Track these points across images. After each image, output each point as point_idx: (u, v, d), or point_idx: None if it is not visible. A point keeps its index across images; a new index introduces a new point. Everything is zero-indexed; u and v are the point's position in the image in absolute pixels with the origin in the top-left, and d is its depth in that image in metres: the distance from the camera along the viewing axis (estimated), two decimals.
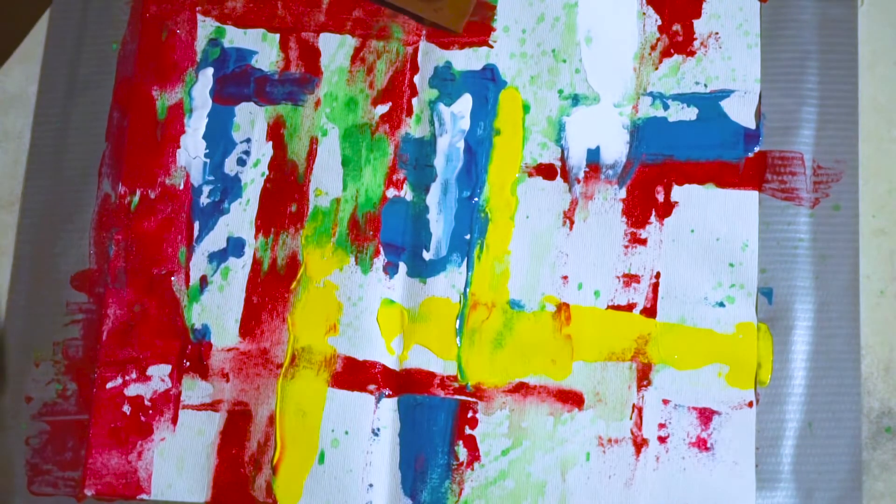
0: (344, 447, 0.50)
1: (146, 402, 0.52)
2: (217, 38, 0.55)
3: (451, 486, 0.50)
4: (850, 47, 0.52)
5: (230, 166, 0.54)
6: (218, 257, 0.53)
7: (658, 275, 0.51)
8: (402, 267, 0.52)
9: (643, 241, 0.51)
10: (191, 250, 0.53)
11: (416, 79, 0.54)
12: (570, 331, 0.51)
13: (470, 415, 0.50)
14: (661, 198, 0.52)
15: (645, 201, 0.52)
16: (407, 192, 0.53)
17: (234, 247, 0.53)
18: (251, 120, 0.54)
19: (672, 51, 0.53)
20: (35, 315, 0.53)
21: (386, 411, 0.51)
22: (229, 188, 0.53)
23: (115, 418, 0.52)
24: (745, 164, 0.51)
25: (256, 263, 0.53)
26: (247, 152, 0.54)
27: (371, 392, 0.51)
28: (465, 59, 0.54)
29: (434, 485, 0.50)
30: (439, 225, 0.52)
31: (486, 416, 0.50)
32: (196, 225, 0.53)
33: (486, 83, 0.53)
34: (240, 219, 0.53)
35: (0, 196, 0.55)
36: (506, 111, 0.53)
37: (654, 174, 0.52)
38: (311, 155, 0.53)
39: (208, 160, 0.54)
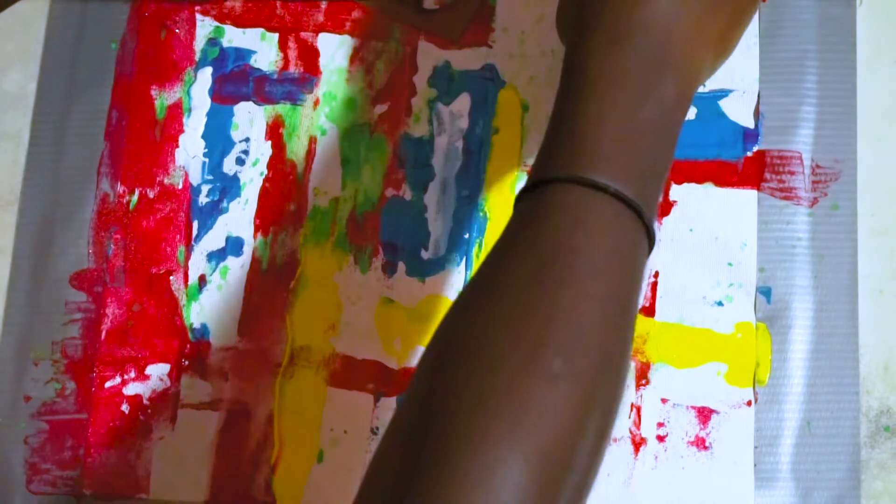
0: (343, 446, 0.50)
1: (145, 402, 0.52)
2: (216, 38, 0.55)
3: None
4: (849, 47, 0.52)
5: (229, 166, 0.54)
6: (217, 256, 0.53)
7: (657, 274, 0.51)
8: (402, 266, 0.52)
9: None
10: (189, 249, 0.53)
11: (415, 78, 0.54)
12: None
13: None
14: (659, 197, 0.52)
15: None
16: (406, 192, 0.53)
17: (233, 246, 0.53)
18: (250, 119, 0.54)
19: None
20: (34, 314, 0.53)
21: (385, 410, 0.51)
22: (228, 187, 0.53)
23: (113, 417, 0.52)
24: (743, 163, 0.51)
25: (255, 263, 0.53)
26: (245, 152, 0.54)
27: (370, 391, 0.51)
28: (464, 59, 0.54)
29: None
30: (438, 224, 0.52)
31: None
32: (195, 224, 0.53)
33: (485, 83, 0.53)
34: (239, 218, 0.53)
35: None
36: (505, 110, 0.53)
37: None
38: (310, 154, 0.53)
39: (207, 159, 0.54)
